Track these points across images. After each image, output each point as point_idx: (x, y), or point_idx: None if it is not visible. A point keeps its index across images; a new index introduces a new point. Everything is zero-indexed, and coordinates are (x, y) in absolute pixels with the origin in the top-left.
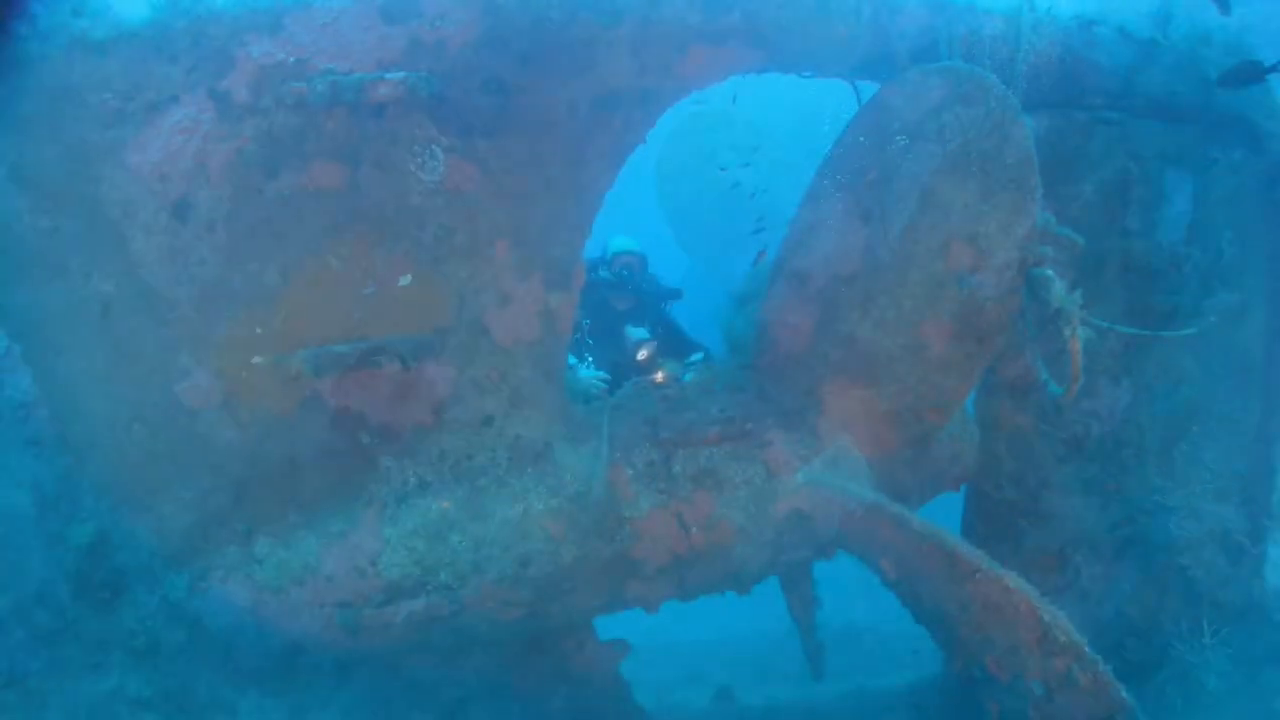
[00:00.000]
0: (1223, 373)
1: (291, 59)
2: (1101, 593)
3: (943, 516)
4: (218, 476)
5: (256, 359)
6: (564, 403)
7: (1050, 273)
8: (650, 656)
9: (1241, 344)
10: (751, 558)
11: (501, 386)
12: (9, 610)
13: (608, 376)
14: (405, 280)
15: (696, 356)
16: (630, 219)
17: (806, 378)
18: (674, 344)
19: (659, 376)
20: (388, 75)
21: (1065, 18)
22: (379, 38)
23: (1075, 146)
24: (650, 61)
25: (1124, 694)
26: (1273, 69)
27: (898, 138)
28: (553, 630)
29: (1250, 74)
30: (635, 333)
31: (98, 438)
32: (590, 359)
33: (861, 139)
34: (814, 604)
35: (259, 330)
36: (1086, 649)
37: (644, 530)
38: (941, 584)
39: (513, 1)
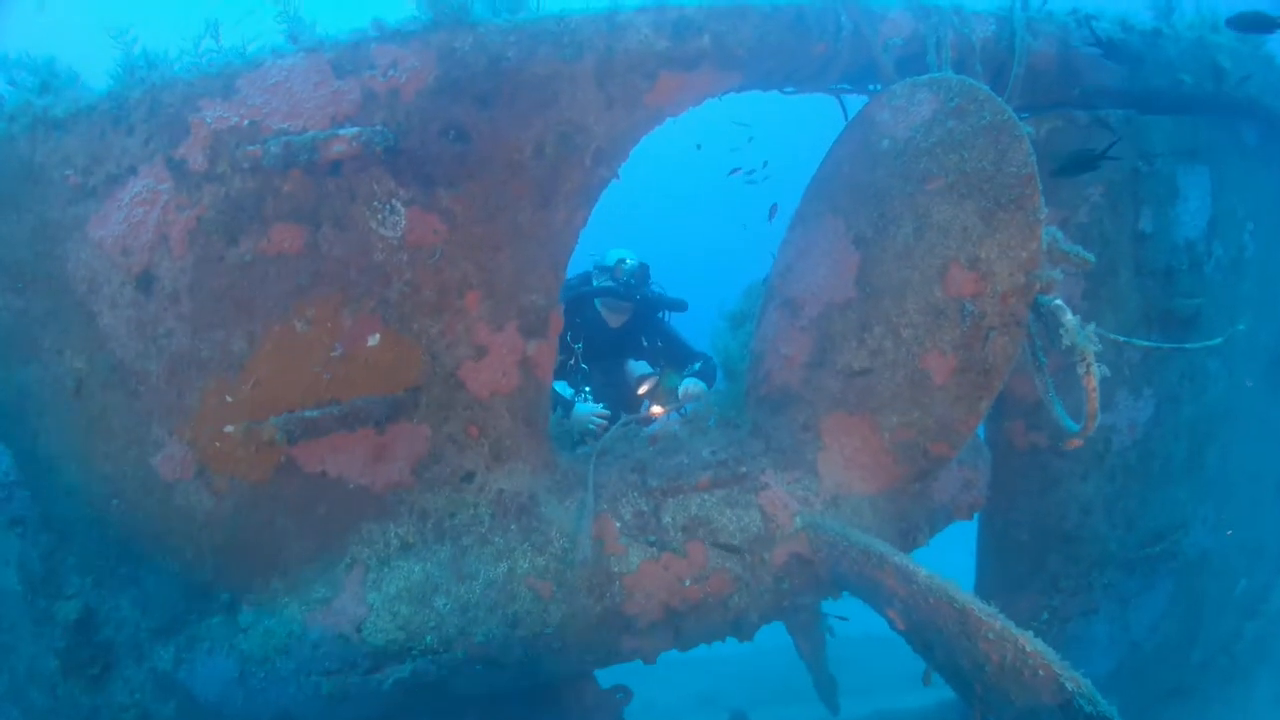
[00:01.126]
0: (1249, 370)
1: (245, 122)
2: (1132, 614)
3: (956, 540)
4: (198, 547)
5: (228, 428)
6: (549, 452)
7: (1060, 302)
8: (662, 674)
9: (1268, 339)
10: (750, 607)
11: (481, 441)
12: (3, 690)
13: (607, 411)
14: (373, 340)
15: (694, 367)
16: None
17: (803, 412)
18: (674, 356)
19: (655, 410)
20: (340, 131)
21: (1061, 13)
22: (331, 93)
23: (1079, 148)
24: (617, 93)
25: None
26: None
27: (887, 156)
28: (548, 684)
29: (1261, 23)
30: (637, 367)
31: (78, 515)
32: (588, 390)
33: (849, 157)
34: (824, 642)
35: (229, 399)
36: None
37: (635, 585)
38: (954, 640)
39: (466, 43)
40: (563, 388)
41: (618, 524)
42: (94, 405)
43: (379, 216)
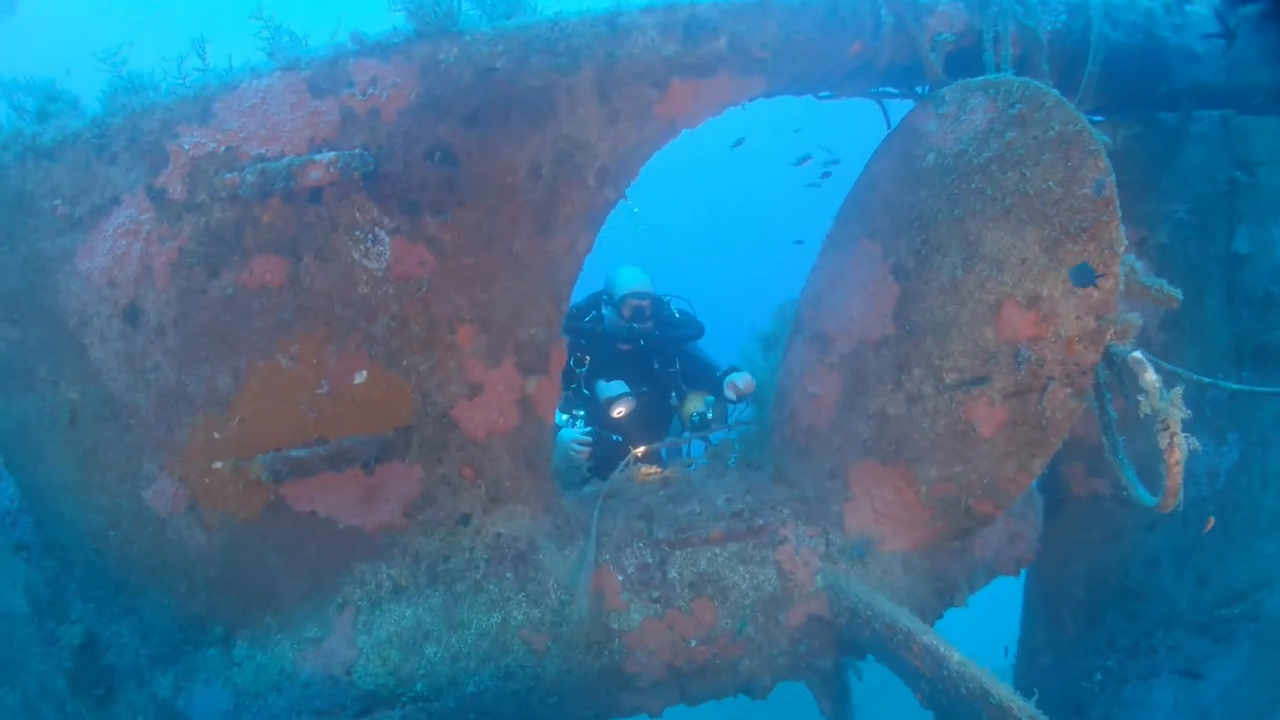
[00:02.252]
0: None
1: (222, 148)
2: (1201, 680)
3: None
4: (192, 581)
5: (217, 464)
6: (550, 494)
7: (1139, 354)
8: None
9: None
10: (763, 670)
11: (477, 483)
12: (18, 704)
13: (588, 438)
14: (360, 378)
15: (709, 400)
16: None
17: (831, 458)
18: (697, 379)
19: (638, 452)
20: (317, 157)
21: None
22: (309, 114)
23: (1164, 157)
24: (622, 105)
25: None
26: None
27: (933, 173)
28: None
29: None
30: (606, 389)
31: (77, 544)
32: (583, 414)
33: (889, 174)
34: (849, 692)
35: (217, 435)
36: None
37: (636, 644)
38: None
39: (451, 55)
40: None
41: (620, 577)
42: (88, 437)
43: (362, 247)
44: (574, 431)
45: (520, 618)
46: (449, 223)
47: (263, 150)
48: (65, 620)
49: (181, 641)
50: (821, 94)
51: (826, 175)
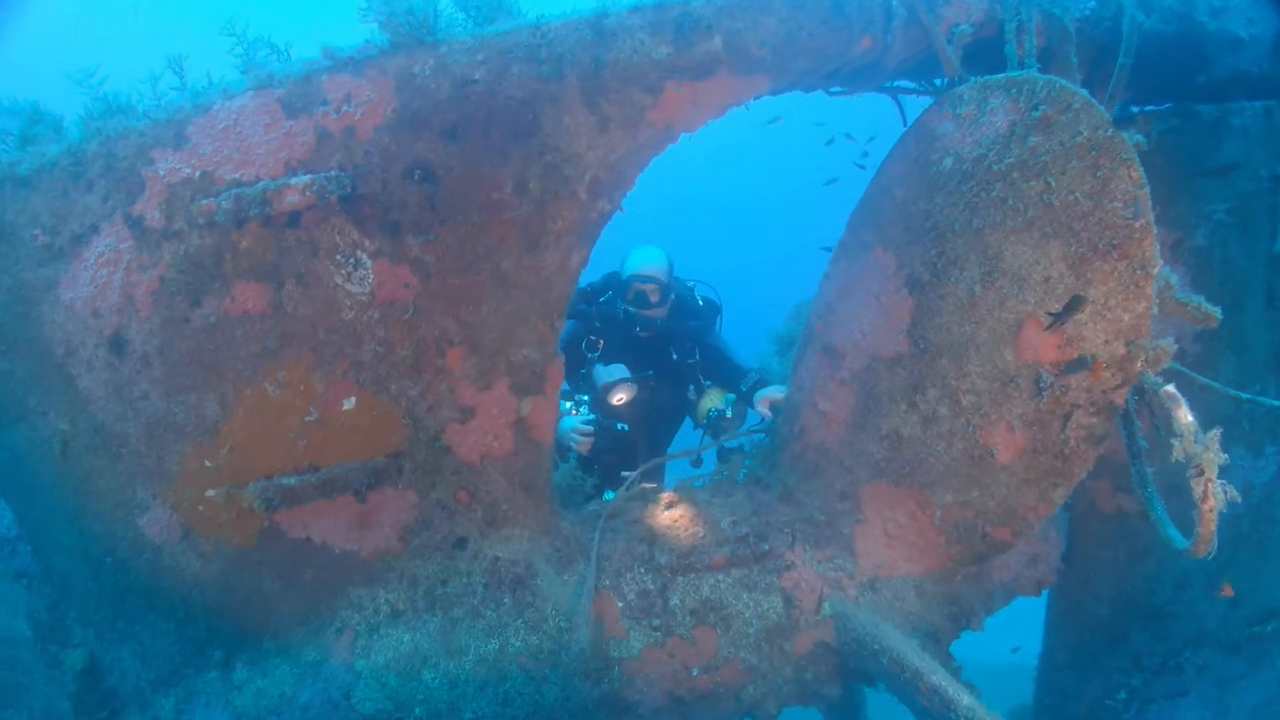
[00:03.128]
0: None
1: (197, 173)
2: (1231, 698)
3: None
4: (189, 606)
5: (210, 492)
6: (549, 516)
7: (1172, 388)
8: None
9: None
10: (768, 698)
11: (473, 507)
12: None
13: (589, 426)
14: (349, 404)
15: (730, 399)
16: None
17: (841, 478)
18: (716, 373)
19: (703, 404)
20: (292, 181)
21: None
22: (284, 135)
23: (1202, 153)
24: (613, 112)
25: None
26: None
27: (950, 179)
28: None
29: None
30: (605, 373)
31: (75, 571)
32: (587, 401)
33: (903, 179)
34: (863, 704)
35: (208, 463)
36: None
37: (636, 672)
38: None
39: (427, 67)
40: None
41: (620, 604)
42: (80, 467)
43: (344, 271)
44: (575, 420)
45: (518, 645)
46: (432, 243)
47: (238, 175)
48: (67, 645)
49: (181, 665)
50: (833, 90)
51: (865, 156)
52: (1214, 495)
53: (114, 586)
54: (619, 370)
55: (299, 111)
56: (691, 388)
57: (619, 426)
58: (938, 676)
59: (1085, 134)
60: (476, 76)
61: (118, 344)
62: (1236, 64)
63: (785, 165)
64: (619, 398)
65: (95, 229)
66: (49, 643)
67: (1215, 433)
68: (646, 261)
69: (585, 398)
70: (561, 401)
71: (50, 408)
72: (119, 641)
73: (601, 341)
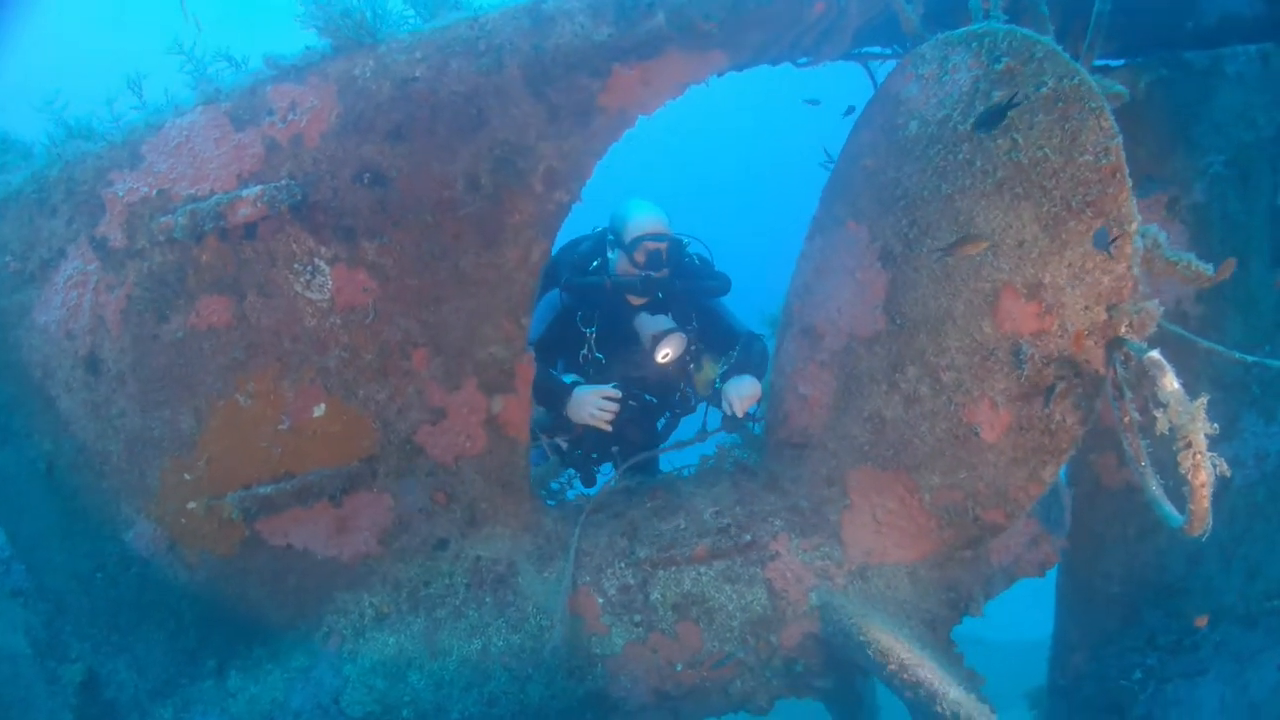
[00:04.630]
0: None
1: (154, 191)
2: (1251, 673)
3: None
4: (180, 617)
5: (191, 504)
6: (530, 513)
7: (1156, 354)
8: None
9: None
10: (757, 691)
11: (452, 507)
12: None
13: (618, 391)
14: (319, 411)
15: (732, 354)
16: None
17: (826, 463)
18: (714, 338)
19: (702, 376)
20: (243, 193)
21: None
22: (234, 148)
23: (1195, 103)
24: (561, 100)
25: None
26: None
27: (917, 143)
28: None
29: None
30: (651, 323)
31: (67, 587)
32: (586, 380)
33: (871, 146)
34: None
35: (187, 476)
36: None
37: (619, 669)
38: None
39: (367, 70)
40: (571, 380)
41: (600, 600)
42: (66, 485)
43: (303, 279)
44: (592, 386)
45: (500, 644)
46: (387, 245)
47: (193, 190)
48: (65, 660)
49: (176, 675)
50: (800, 61)
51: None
52: (1204, 469)
53: (106, 601)
54: (665, 320)
55: (246, 124)
56: (679, 326)
57: (646, 397)
58: (925, 669)
59: (1050, 84)
60: (417, 74)
61: (92, 364)
62: (1226, 6)
63: (784, 145)
64: (665, 353)
65: (62, 253)
66: (47, 658)
67: (1201, 400)
68: (652, 217)
69: (578, 379)
70: (566, 376)
71: (34, 429)
72: (114, 654)
73: (597, 314)
